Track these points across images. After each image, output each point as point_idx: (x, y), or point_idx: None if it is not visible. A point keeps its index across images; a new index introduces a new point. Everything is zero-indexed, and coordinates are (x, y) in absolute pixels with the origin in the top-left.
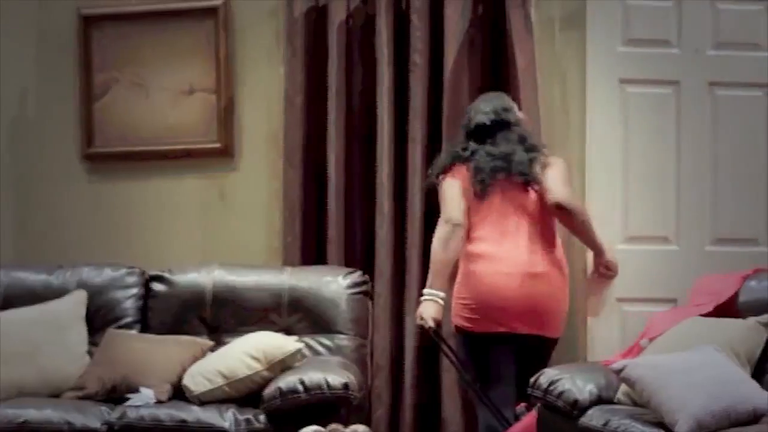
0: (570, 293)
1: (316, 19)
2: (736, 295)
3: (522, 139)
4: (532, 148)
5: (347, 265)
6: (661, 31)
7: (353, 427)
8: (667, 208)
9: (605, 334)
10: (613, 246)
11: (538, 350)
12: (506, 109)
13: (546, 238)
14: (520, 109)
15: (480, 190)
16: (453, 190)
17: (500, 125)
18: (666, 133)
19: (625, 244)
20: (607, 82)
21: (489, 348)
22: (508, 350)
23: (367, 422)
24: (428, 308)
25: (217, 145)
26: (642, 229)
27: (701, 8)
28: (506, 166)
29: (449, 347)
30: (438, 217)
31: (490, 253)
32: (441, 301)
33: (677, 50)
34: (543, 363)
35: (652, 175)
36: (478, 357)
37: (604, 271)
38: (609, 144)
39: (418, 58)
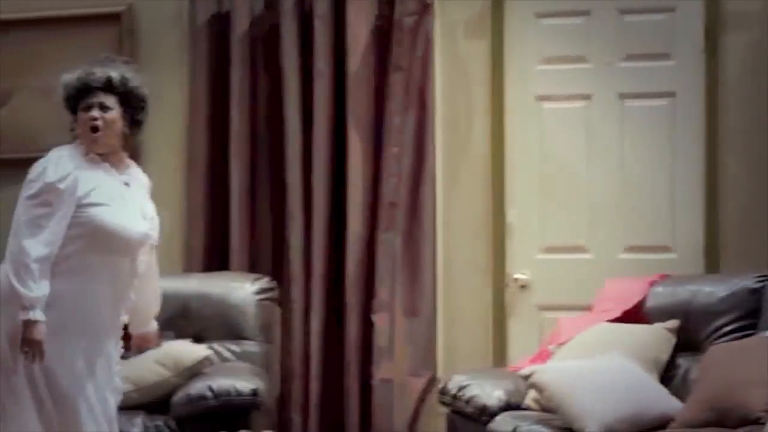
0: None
1: (220, 25)
2: (642, 300)
3: None
4: None
5: (254, 271)
6: (573, 47)
7: None
8: (581, 218)
9: (524, 340)
10: (533, 255)
11: None
12: None
13: None
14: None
15: None
16: None
17: None
18: (579, 145)
19: (543, 253)
20: (524, 99)
21: None
22: None
23: (277, 427)
24: None
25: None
26: (558, 239)
27: (611, 22)
28: None
29: None
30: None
31: None
32: None
33: (589, 65)
34: None
35: (567, 186)
36: None
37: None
38: (526, 158)
39: (323, 64)
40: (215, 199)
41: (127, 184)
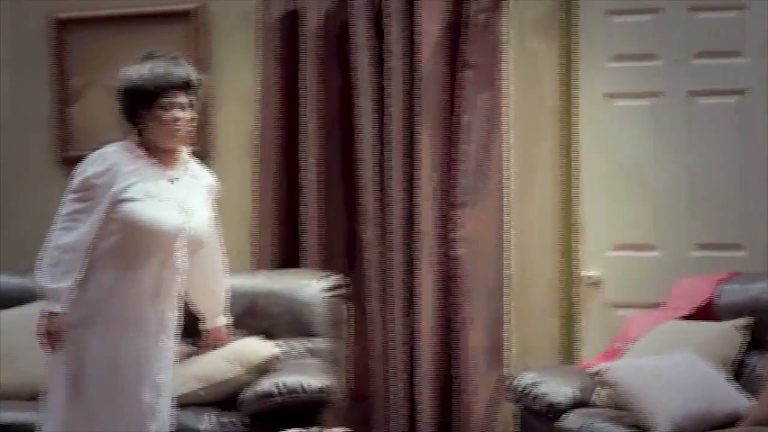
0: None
1: (290, 23)
2: (712, 298)
3: None
4: None
5: (328, 268)
6: (644, 45)
7: (333, 429)
8: (651, 215)
9: (593, 337)
10: (603, 253)
11: None
12: None
13: None
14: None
15: None
16: None
17: None
18: (649, 143)
19: (613, 250)
20: (594, 96)
21: None
22: None
23: (347, 424)
24: None
25: (192, 147)
26: (628, 236)
27: (681, 19)
28: None
29: None
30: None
31: None
32: None
33: (660, 62)
34: None
35: (637, 183)
36: None
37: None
38: (596, 155)
39: (394, 61)
40: (286, 197)
41: (174, 180)
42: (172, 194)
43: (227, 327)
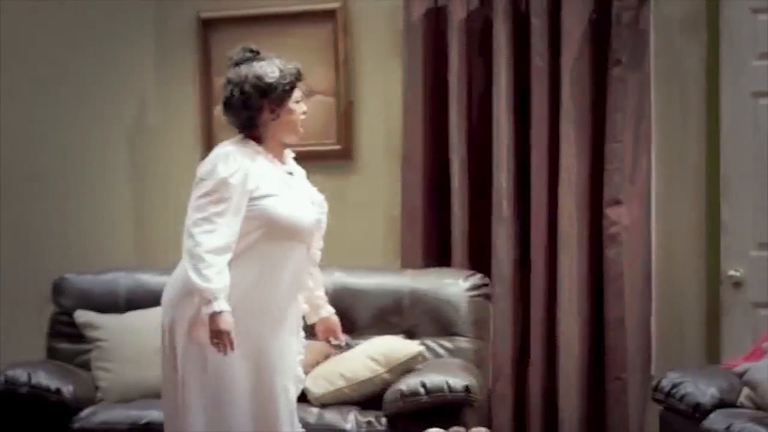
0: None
1: (435, 20)
2: None
3: None
4: None
5: (468, 268)
6: None
7: (475, 429)
8: None
9: (737, 338)
10: (748, 252)
11: None
12: None
13: None
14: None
15: None
16: None
17: None
18: None
19: (758, 250)
20: (739, 95)
21: None
22: None
23: (488, 425)
24: None
25: (337, 147)
26: None
27: None
28: None
29: None
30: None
31: None
32: None
33: None
34: None
35: None
36: None
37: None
38: (741, 154)
39: (539, 59)
40: (432, 196)
41: (290, 173)
42: (298, 187)
43: (335, 317)
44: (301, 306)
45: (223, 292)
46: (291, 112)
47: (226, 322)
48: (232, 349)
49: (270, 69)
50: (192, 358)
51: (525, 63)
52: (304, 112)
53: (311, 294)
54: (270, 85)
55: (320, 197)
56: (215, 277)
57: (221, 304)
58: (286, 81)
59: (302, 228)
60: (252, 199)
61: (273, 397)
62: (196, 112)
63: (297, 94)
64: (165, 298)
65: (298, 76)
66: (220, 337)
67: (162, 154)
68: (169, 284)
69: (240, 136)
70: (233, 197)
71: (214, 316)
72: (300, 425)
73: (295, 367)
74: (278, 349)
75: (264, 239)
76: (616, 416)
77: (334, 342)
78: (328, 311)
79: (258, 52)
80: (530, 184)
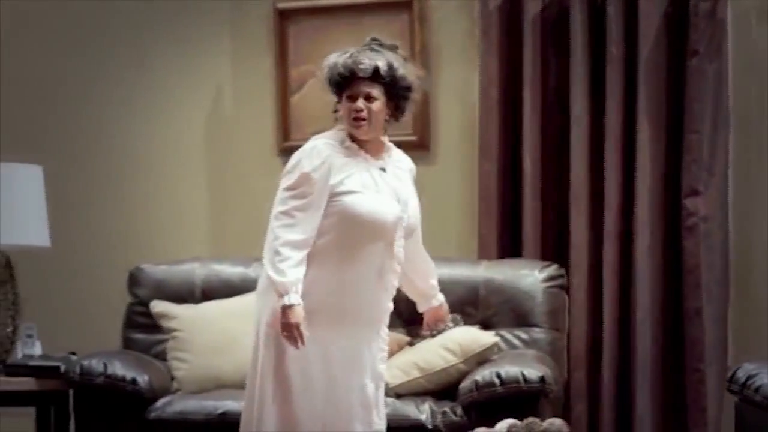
0: None
1: (510, 11)
2: None
3: None
4: None
5: (542, 258)
6: None
7: (550, 420)
8: None
9: None
10: None
11: None
12: None
13: None
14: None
15: None
16: None
17: None
18: None
19: None
20: None
21: None
22: None
23: (563, 416)
24: None
25: (413, 138)
26: None
27: None
28: None
29: None
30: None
31: None
32: None
33: None
34: None
35: None
36: None
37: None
38: None
39: (615, 49)
40: (508, 186)
41: (383, 169)
42: (386, 184)
43: (445, 306)
44: (386, 305)
45: (296, 285)
46: (344, 107)
47: (297, 315)
48: (303, 342)
49: (334, 59)
50: (271, 349)
51: (601, 53)
52: (357, 110)
53: (425, 283)
54: (326, 78)
55: (408, 194)
56: (289, 270)
57: (292, 298)
58: (337, 75)
59: (381, 225)
60: (333, 194)
61: (347, 394)
62: (273, 102)
63: (355, 89)
64: (257, 290)
65: (353, 72)
66: (290, 330)
67: (238, 145)
68: (261, 275)
69: (337, 127)
70: (315, 192)
71: (285, 309)
72: (385, 421)
73: (376, 365)
74: (356, 346)
75: (343, 236)
76: (693, 408)
77: (438, 328)
78: (439, 300)
79: (371, 41)
80: (605, 174)
